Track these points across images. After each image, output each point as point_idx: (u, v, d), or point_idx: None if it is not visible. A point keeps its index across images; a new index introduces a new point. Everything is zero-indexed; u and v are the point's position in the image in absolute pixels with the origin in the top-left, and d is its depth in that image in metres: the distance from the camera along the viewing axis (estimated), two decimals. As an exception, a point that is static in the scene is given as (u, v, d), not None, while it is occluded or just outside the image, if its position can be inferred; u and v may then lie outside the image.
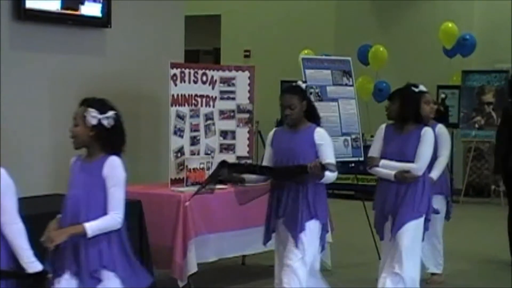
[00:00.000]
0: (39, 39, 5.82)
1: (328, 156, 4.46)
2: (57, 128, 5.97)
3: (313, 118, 4.61)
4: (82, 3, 5.93)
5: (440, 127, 5.95)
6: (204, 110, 6.10)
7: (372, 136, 10.34)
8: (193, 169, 5.74)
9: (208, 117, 6.14)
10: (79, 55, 6.12)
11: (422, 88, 5.56)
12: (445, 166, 5.91)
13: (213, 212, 5.49)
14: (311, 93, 7.71)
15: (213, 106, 6.17)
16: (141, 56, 6.62)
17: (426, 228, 5.01)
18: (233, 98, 6.22)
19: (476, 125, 10.82)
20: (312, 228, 4.46)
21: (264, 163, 4.64)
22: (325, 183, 4.48)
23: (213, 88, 6.17)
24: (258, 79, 6.41)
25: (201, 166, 5.81)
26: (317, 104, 7.86)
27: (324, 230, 4.56)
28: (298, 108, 4.51)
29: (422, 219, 4.93)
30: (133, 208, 4.94)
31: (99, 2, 6.06)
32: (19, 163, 5.60)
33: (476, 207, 10.60)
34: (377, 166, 5.01)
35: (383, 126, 5.18)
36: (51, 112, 5.92)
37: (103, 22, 6.14)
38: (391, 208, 4.93)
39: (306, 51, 10.81)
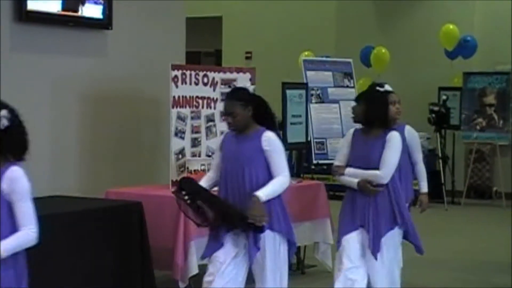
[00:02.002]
0: (40, 40, 5.82)
1: (275, 163, 4.15)
2: (58, 130, 5.98)
3: (265, 120, 4.25)
4: (83, 4, 5.93)
5: (409, 130, 5.42)
6: (205, 111, 6.09)
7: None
8: (194, 170, 5.74)
9: (209, 118, 6.13)
10: (80, 56, 6.12)
11: (387, 87, 5.23)
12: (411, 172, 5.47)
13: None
14: (312, 95, 7.75)
15: (214, 108, 6.16)
16: (142, 57, 6.61)
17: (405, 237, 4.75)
18: (234, 100, 6.21)
19: (478, 127, 10.81)
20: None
21: (212, 169, 4.37)
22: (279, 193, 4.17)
23: (214, 89, 6.16)
24: (259, 81, 6.41)
25: (202, 168, 5.81)
26: (318, 106, 7.96)
27: (291, 246, 4.27)
28: (241, 115, 4.16)
29: (398, 229, 4.66)
30: (133, 209, 4.94)
31: (100, 3, 6.05)
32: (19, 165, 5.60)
33: (478, 209, 10.59)
34: (343, 174, 4.70)
35: (352, 130, 4.86)
36: (52, 114, 5.92)
37: (104, 23, 6.14)
38: (362, 219, 4.62)
39: (306, 53, 10.82)
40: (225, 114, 4.26)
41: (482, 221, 9.70)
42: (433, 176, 10.83)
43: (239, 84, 6.22)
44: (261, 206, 4.03)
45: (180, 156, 5.85)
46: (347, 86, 7.88)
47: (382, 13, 12.27)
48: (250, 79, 6.28)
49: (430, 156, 10.98)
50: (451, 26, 10.92)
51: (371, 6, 12.33)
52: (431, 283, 6.32)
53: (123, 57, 6.45)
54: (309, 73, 7.80)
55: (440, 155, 10.90)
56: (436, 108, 10.82)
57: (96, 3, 6.01)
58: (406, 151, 5.20)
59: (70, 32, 5.98)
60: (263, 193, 4.06)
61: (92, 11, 6.01)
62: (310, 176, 8.25)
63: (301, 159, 8.78)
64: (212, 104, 6.15)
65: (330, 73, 7.97)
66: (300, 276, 6.35)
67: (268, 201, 4.10)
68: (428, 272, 6.75)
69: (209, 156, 6.06)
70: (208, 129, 6.12)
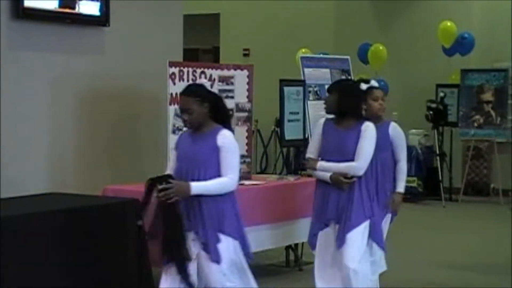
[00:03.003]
0: (38, 38, 5.81)
1: (225, 162, 4.01)
2: (55, 127, 5.97)
3: (221, 118, 4.14)
4: (80, 1, 5.91)
5: (395, 127, 5.21)
6: (202, 108, 6.10)
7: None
8: (192, 168, 5.74)
9: (207, 115, 6.13)
10: (78, 54, 6.12)
11: (373, 83, 5.12)
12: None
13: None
14: (309, 92, 7.74)
15: (212, 105, 6.16)
16: (140, 54, 6.61)
17: (375, 236, 4.59)
18: (232, 97, 6.21)
19: (475, 124, 10.81)
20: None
21: (168, 168, 4.21)
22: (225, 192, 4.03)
23: (211, 86, 6.14)
24: (257, 78, 6.41)
25: (200, 165, 5.80)
26: (315, 103, 7.94)
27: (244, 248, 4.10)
28: (197, 111, 4.04)
29: (367, 223, 4.55)
30: (131, 206, 4.94)
31: (98, 0, 6.05)
32: (17, 162, 5.60)
33: (475, 205, 10.60)
34: (315, 169, 4.60)
35: (322, 121, 4.73)
36: (49, 111, 5.92)
37: (101, 20, 6.13)
38: (334, 214, 4.55)
39: (304, 50, 10.81)
40: (181, 111, 4.12)
41: (479, 218, 9.70)
42: (431, 173, 10.87)
43: (237, 81, 6.23)
44: (182, 186, 3.91)
45: (177, 153, 5.85)
46: (345, 83, 7.86)
47: (380, 10, 12.26)
48: (248, 76, 6.28)
49: (427, 153, 11.00)
50: (448, 23, 10.92)
51: (369, 3, 12.33)
52: (429, 281, 6.32)
53: (120, 54, 6.45)
54: (306, 70, 7.78)
55: (437, 152, 10.90)
56: (433, 105, 10.82)
57: (93, 0, 6.00)
58: (389, 148, 5.10)
59: (67, 29, 5.97)
60: (196, 185, 3.95)
61: (89, 8, 6.01)
62: (307, 173, 8.25)
63: (299, 156, 8.78)
64: (210, 101, 6.15)
65: (327, 70, 7.94)
66: (298, 273, 6.35)
67: (221, 203, 4.00)
68: (426, 269, 6.76)
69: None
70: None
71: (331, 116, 4.69)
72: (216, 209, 4.02)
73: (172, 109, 5.80)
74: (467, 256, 7.28)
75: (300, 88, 7.22)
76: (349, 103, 4.56)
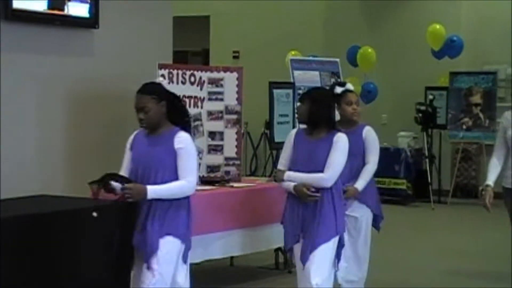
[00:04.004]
0: (27, 39, 5.79)
1: (183, 165, 3.89)
2: (44, 130, 5.95)
3: (179, 119, 4.00)
4: (69, 2, 5.89)
5: (368, 130, 5.11)
6: (192, 111, 6.08)
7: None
8: (181, 170, 5.73)
9: (196, 118, 6.13)
10: (67, 56, 6.10)
11: (348, 86, 5.01)
12: (372, 176, 5.12)
13: (199, 213, 5.47)
14: (299, 94, 7.75)
15: (201, 107, 6.16)
16: (129, 56, 6.60)
17: (338, 253, 4.45)
18: (221, 99, 6.22)
19: (464, 126, 10.86)
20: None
21: (122, 169, 4.11)
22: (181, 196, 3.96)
23: (201, 89, 6.16)
24: (247, 80, 6.41)
25: (189, 167, 5.79)
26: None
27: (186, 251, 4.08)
28: (154, 110, 3.90)
29: (336, 239, 4.39)
30: (122, 208, 4.91)
31: (87, 2, 6.03)
32: (5, 164, 5.58)
33: (464, 207, 10.64)
34: (283, 180, 4.44)
35: (294, 131, 4.61)
36: (38, 113, 5.90)
37: (90, 22, 6.11)
38: (303, 226, 4.38)
39: (294, 52, 10.82)
40: (136, 109, 3.96)
41: (468, 220, 9.74)
42: (420, 176, 10.91)
43: (226, 83, 6.23)
44: (139, 188, 3.84)
45: (167, 155, 5.85)
46: (334, 86, 7.88)
47: (370, 13, 12.30)
48: (238, 79, 6.29)
49: (416, 156, 11.04)
50: (437, 26, 10.96)
51: (359, 6, 12.36)
52: (418, 283, 6.34)
53: (110, 56, 6.43)
54: (296, 72, 7.80)
55: (426, 154, 10.94)
56: (422, 108, 10.86)
57: (82, 2, 5.99)
58: (362, 152, 5.03)
59: (57, 31, 5.95)
60: (153, 188, 3.85)
61: (79, 10, 5.99)
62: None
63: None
64: (199, 103, 6.16)
65: (317, 73, 7.97)
66: (287, 275, 6.35)
67: (176, 206, 3.93)
68: (414, 271, 6.77)
69: (196, 155, 6.06)
70: (195, 128, 6.12)
71: (304, 126, 4.53)
72: (169, 212, 3.90)
73: (162, 111, 5.80)
74: (456, 258, 7.31)
75: (290, 91, 7.24)
76: (321, 113, 4.38)
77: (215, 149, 6.20)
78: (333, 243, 4.38)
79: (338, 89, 4.84)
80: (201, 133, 6.16)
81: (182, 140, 3.91)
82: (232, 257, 6.52)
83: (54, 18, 5.83)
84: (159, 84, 4.06)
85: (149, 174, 3.91)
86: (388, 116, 12.00)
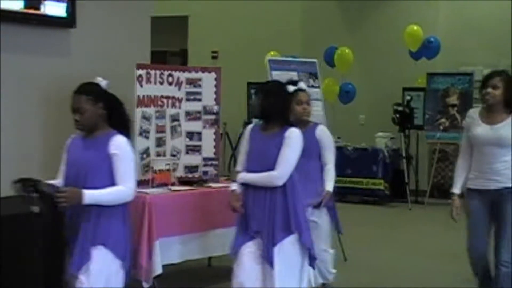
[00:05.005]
0: (3, 38, 5.74)
1: (120, 171, 3.71)
2: (21, 130, 5.91)
3: (118, 123, 3.83)
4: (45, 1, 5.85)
5: (322, 129, 5.07)
6: (170, 111, 6.09)
7: (338, 138, 10.47)
8: (159, 170, 5.73)
9: (174, 118, 6.13)
10: (44, 55, 6.06)
11: (301, 85, 4.94)
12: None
13: (178, 213, 5.47)
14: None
15: (179, 107, 6.16)
16: (107, 56, 6.56)
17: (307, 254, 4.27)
18: (200, 100, 6.22)
19: (441, 127, 10.93)
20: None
21: (60, 171, 3.97)
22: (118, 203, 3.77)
23: (179, 89, 6.16)
24: (225, 81, 6.41)
25: (167, 167, 5.79)
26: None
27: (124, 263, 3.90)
28: (90, 111, 3.74)
29: (295, 237, 4.21)
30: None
31: (64, 1, 5.99)
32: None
33: (441, 208, 10.70)
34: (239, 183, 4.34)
35: (249, 127, 4.45)
36: (15, 113, 5.85)
37: (67, 22, 6.08)
38: (258, 225, 4.22)
39: (272, 53, 10.84)
40: (72, 110, 3.79)
41: (445, 220, 9.79)
42: (397, 176, 10.97)
43: (204, 84, 6.22)
44: (75, 192, 3.63)
45: (144, 155, 5.84)
46: (312, 86, 7.90)
47: (347, 14, 12.35)
48: (216, 79, 6.29)
49: (394, 156, 11.10)
50: (415, 27, 11.03)
51: (337, 7, 12.40)
52: (393, 283, 6.37)
53: (87, 56, 6.40)
54: (274, 73, 7.81)
55: (404, 155, 11.01)
56: (400, 108, 10.93)
57: (59, 1, 5.95)
58: (317, 151, 4.99)
59: (33, 31, 5.91)
60: (90, 193, 3.65)
61: (56, 9, 5.95)
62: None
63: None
64: (177, 104, 6.15)
65: (295, 73, 7.99)
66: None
67: (110, 216, 3.75)
68: (390, 271, 6.81)
69: (173, 155, 6.06)
70: (173, 128, 6.12)
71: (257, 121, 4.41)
72: (103, 221, 3.74)
73: (139, 111, 5.80)
74: (433, 259, 7.35)
75: (268, 91, 7.22)
76: (273, 106, 4.22)
77: (193, 149, 6.19)
78: (288, 242, 4.19)
79: (291, 88, 4.65)
80: (179, 134, 6.16)
81: (118, 144, 3.75)
82: (210, 258, 6.52)
83: (30, 18, 5.79)
84: (97, 85, 3.89)
85: (83, 179, 3.74)
86: (365, 117, 12.07)
